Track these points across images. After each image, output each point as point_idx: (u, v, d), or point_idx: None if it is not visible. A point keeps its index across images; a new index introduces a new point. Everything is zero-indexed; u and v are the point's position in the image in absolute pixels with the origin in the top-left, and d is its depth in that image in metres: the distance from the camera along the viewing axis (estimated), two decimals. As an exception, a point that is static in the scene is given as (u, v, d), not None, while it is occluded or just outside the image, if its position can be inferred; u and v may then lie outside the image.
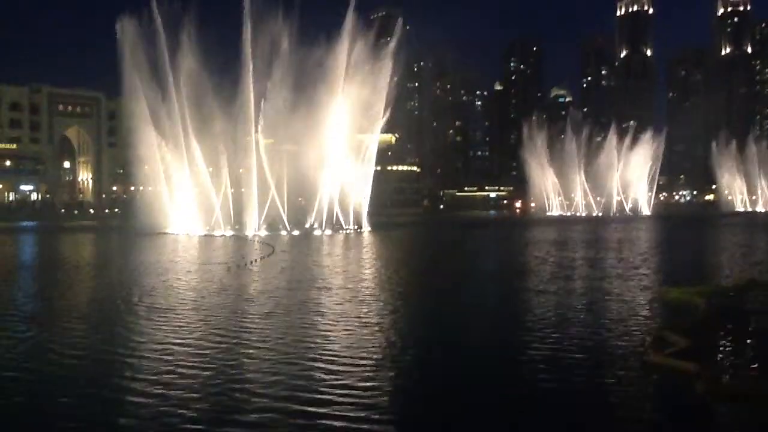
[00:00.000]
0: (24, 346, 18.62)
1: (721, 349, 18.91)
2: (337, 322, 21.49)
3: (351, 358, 16.56)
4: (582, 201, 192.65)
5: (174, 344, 18.07)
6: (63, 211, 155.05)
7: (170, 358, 16.56)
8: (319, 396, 13.32)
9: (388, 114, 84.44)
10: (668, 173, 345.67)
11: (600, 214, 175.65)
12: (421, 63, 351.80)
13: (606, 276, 34.50)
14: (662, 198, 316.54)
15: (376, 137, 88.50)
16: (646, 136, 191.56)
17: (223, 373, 15.14)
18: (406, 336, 19.94)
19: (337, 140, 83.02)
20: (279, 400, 13.08)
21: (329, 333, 19.78)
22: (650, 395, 14.27)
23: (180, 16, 78.37)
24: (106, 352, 17.52)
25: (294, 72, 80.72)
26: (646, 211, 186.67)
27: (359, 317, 22.25)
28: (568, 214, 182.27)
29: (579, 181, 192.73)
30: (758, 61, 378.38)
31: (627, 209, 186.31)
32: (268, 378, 14.65)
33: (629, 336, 19.34)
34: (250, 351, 17.37)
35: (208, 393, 13.58)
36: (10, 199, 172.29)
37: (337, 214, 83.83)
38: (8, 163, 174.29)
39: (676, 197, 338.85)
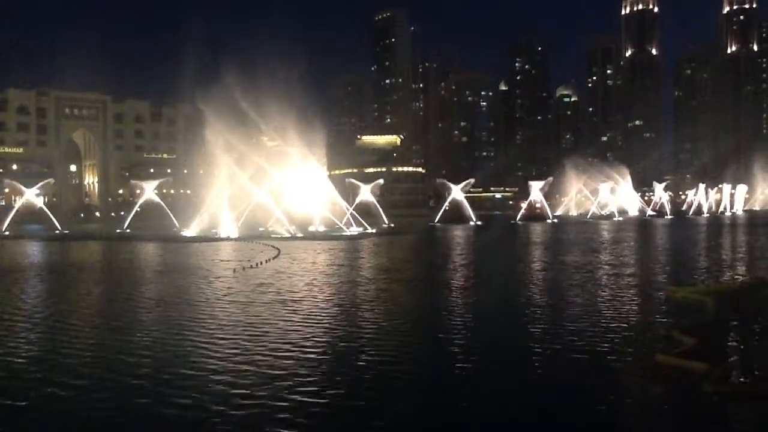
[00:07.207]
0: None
1: (729, 348, 18.95)
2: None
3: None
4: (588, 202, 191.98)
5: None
6: (70, 214, 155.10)
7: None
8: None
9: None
10: (675, 172, 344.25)
11: (606, 214, 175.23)
12: (426, 64, 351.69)
13: (606, 274, 34.51)
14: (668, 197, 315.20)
15: None
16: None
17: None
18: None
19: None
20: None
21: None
22: (657, 394, 14.34)
23: None
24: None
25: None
26: (650, 211, 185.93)
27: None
28: (574, 214, 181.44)
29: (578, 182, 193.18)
30: (765, 59, 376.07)
31: (634, 209, 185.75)
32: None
33: (637, 336, 19.41)
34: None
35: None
36: (17, 202, 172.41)
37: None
38: (15, 167, 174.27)
39: (682, 197, 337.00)
